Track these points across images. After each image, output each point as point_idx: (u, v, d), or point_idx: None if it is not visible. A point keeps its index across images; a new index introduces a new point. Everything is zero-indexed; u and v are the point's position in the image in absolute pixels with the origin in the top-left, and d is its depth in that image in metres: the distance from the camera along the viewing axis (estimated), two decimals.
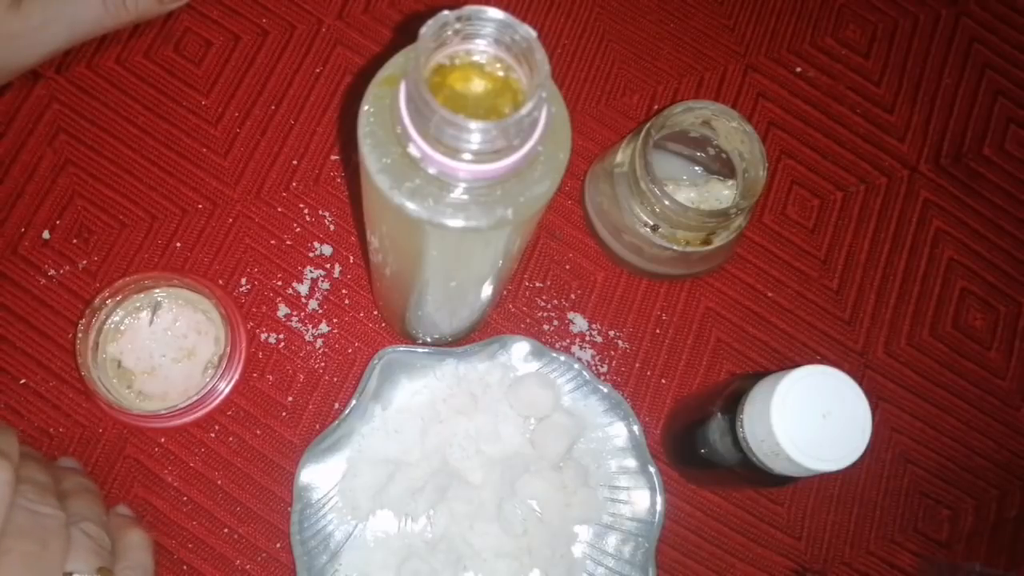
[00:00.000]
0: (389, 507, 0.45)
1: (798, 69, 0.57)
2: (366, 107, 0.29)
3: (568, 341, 0.51)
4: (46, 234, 0.48)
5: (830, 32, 0.58)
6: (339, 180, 0.51)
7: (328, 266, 0.50)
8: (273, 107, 0.52)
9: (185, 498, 0.46)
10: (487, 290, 0.39)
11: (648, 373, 0.51)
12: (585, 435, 0.47)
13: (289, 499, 0.46)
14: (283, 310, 0.49)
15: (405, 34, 0.54)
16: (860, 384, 0.37)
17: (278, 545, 0.46)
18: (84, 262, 0.48)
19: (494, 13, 0.27)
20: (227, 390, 0.47)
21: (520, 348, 0.47)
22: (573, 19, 0.56)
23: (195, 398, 0.45)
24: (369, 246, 0.39)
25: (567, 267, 0.52)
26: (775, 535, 0.50)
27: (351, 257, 0.50)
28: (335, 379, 0.49)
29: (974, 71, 0.59)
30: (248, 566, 0.46)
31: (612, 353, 0.51)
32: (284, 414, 0.48)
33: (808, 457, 0.36)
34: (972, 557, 0.51)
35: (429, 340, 0.48)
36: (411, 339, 0.48)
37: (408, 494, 0.45)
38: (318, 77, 0.52)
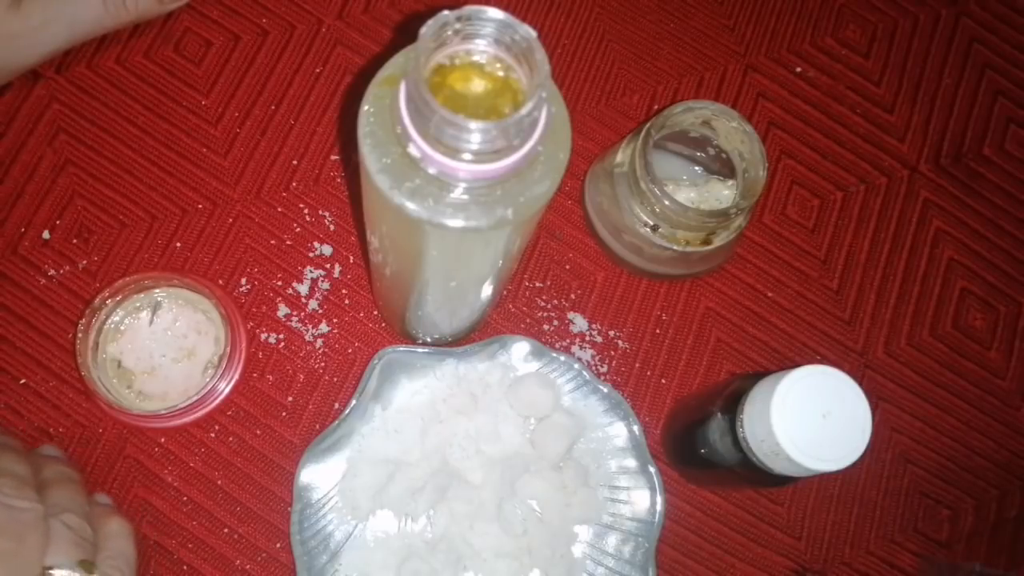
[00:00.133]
0: (389, 507, 0.45)
1: (798, 69, 0.57)
2: (366, 107, 0.29)
3: (568, 341, 0.51)
4: (46, 234, 0.48)
5: (830, 32, 0.58)
6: (339, 180, 0.51)
7: (328, 266, 0.50)
8: (273, 107, 0.52)
9: (185, 498, 0.46)
10: (487, 290, 0.39)
11: (648, 373, 0.51)
12: (585, 435, 0.47)
13: (289, 499, 0.46)
14: (283, 310, 0.49)
15: (405, 34, 0.54)
16: (860, 384, 0.37)
17: (278, 545, 0.46)
18: (84, 262, 0.48)
19: (494, 13, 0.27)
20: (227, 390, 0.47)
21: (520, 348, 0.47)
22: (573, 19, 0.56)
23: (195, 398, 0.45)
24: (369, 246, 0.39)
25: (567, 267, 0.52)
26: (775, 535, 0.50)
27: (351, 257, 0.50)
28: (335, 379, 0.49)
29: (974, 71, 0.59)
30: (248, 566, 0.46)
31: (612, 353, 0.51)
32: (284, 414, 0.48)
33: (808, 457, 0.36)
34: (972, 557, 0.51)
35: (429, 340, 0.48)
36: (411, 339, 0.48)
37: (408, 494, 0.45)
38: (318, 77, 0.52)
